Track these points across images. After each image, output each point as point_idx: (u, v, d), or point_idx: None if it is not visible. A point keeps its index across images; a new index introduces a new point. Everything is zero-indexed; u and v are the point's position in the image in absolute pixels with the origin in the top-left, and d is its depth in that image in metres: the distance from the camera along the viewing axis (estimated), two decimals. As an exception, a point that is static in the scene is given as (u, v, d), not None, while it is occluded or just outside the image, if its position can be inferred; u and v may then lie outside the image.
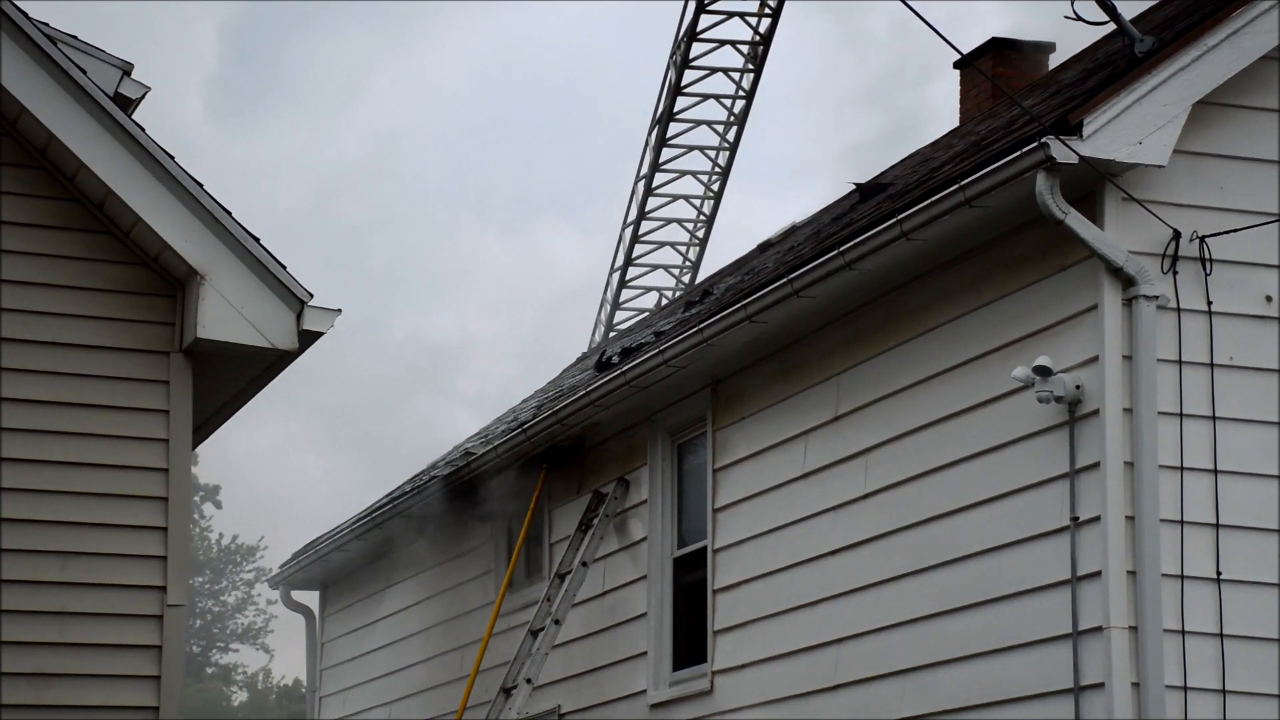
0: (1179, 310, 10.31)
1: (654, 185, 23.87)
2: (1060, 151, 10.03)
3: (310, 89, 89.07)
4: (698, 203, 24.04)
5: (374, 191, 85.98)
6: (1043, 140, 10.07)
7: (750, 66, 22.97)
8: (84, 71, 10.19)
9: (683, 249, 24.39)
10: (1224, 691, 10.07)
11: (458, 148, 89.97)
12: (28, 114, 10.01)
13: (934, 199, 10.90)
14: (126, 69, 11.80)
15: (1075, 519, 10.30)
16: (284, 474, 73.66)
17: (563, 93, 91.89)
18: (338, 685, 20.50)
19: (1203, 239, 10.40)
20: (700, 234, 24.29)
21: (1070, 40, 16.80)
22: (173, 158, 10.22)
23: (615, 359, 15.47)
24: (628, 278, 24.54)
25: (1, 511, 9.90)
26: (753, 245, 18.30)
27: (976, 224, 10.91)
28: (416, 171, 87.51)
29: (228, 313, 10.20)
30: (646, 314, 23.82)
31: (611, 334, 23.91)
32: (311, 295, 10.36)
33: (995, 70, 16.32)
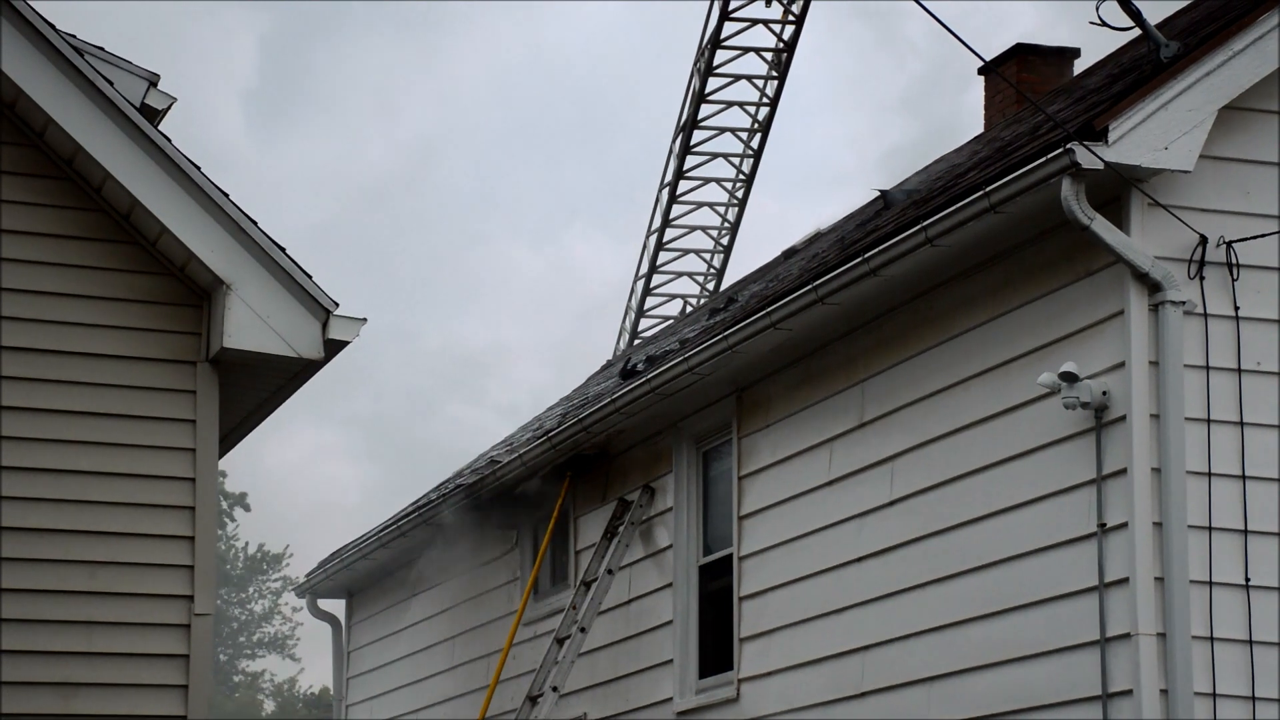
0: (1206, 316, 10.28)
1: (678, 192, 23.86)
2: (1085, 157, 10.01)
3: (342, 98, 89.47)
4: (722, 210, 24.04)
5: (405, 200, 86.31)
6: (1068, 146, 10.05)
7: (774, 74, 22.94)
8: (110, 83, 10.21)
9: (707, 256, 24.38)
10: (1254, 698, 10.05)
11: (488, 155, 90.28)
12: (55, 125, 10.04)
13: (959, 205, 10.89)
14: (153, 80, 11.82)
15: (1102, 525, 10.28)
16: (312, 483, 73.88)
17: (589, 100, 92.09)
18: (364, 693, 20.54)
19: (1229, 244, 10.37)
20: (725, 241, 24.28)
21: (1095, 45, 16.81)
22: (199, 168, 10.24)
23: (640, 366, 15.47)
24: (652, 285, 24.54)
25: (30, 521, 9.93)
26: (778, 252, 18.30)
27: (1001, 230, 10.89)
28: (446, 179, 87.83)
29: (253, 322, 10.21)
30: (671, 321, 23.82)
31: (636, 341, 23.92)
32: (337, 304, 10.37)
33: (1020, 76, 16.30)
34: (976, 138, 16.66)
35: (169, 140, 10.23)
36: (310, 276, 10.34)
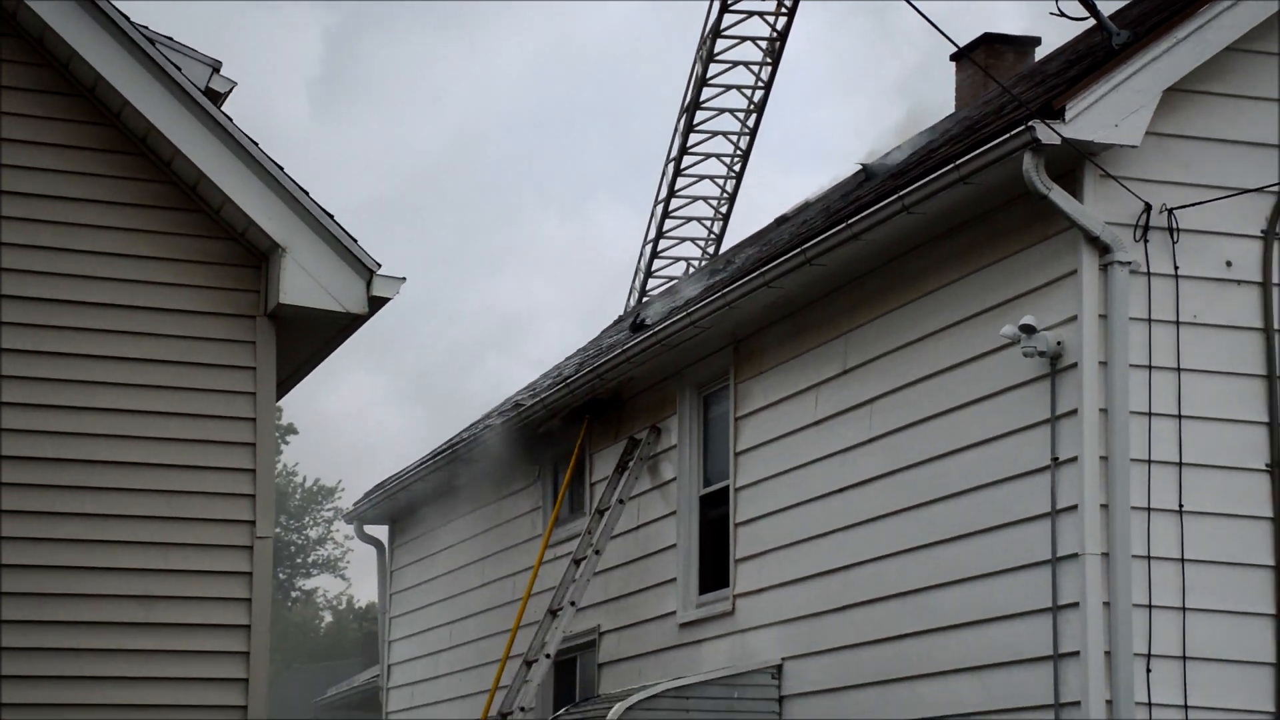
0: (1149, 275, 10.31)
1: (683, 167, 23.80)
2: (1045, 134, 10.03)
3: (394, 87, 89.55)
4: (721, 182, 23.99)
5: (449, 177, 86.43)
6: (1029, 124, 10.07)
7: (769, 60, 22.89)
8: (179, 68, 10.22)
9: (708, 223, 24.35)
10: (1184, 609, 10.11)
11: (521, 137, 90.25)
12: (130, 106, 10.07)
13: (932, 176, 10.91)
14: (216, 66, 11.82)
15: (1055, 459, 10.33)
16: (364, 426, 74.15)
17: (609, 84, 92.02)
18: (405, 607, 20.63)
19: (1171, 211, 10.39)
20: (724, 210, 24.23)
21: (1055, 35, 16.76)
22: (257, 144, 10.26)
23: (648, 321, 15.51)
24: (659, 249, 24.51)
25: (115, 455, 10.01)
26: (771, 220, 18.31)
27: (970, 199, 10.91)
28: (484, 159, 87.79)
29: (306, 281, 10.23)
30: (675, 281, 23.80)
31: (644, 299, 23.92)
32: (380, 265, 10.40)
33: (987, 62, 16.28)
34: (948, 117, 16.64)
35: (230, 119, 10.24)
36: (356, 240, 10.36)
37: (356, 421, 74.32)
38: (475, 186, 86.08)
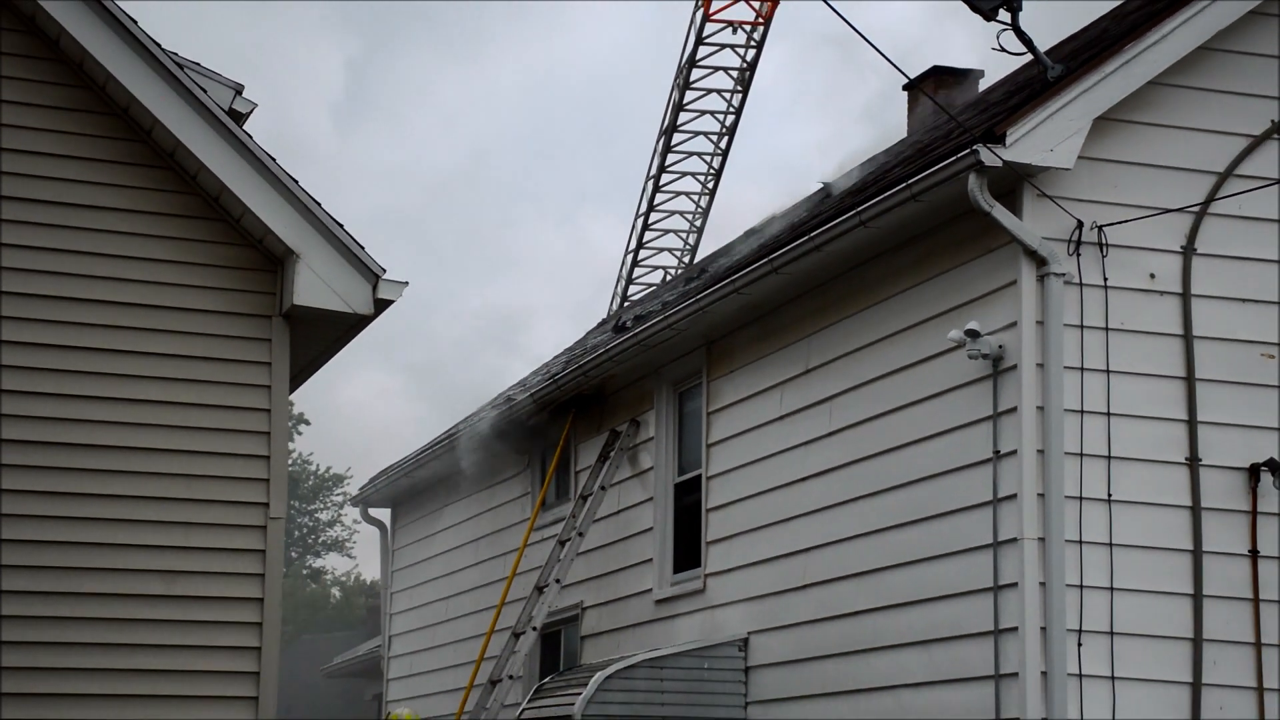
0: (1081, 285, 10.35)
1: (661, 184, 23.84)
2: (988, 157, 10.06)
3: (407, 107, 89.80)
4: (696, 197, 24.02)
5: (455, 189, 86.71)
6: (974, 148, 10.09)
7: (739, 88, 22.92)
8: (205, 90, 10.22)
9: (684, 235, 24.38)
10: (1112, 589, 10.14)
11: (520, 152, 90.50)
12: (160, 125, 10.05)
13: (886, 194, 10.93)
14: (238, 89, 11.79)
15: (997, 452, 10.36)
16: (374, 417, 74.15)
17: (599, 104, 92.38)
18: (406, 583, 20.60)
19: (1101, 228, 10.42)
20: (699, 223, 24.27)
21: (997, 68, 16.77)
22: (274, 159, 10.24)
23: (629, 324, 15.51)
24: (639, 259, 24.53)
25: (139, 442, 9.99)
26: (741, 232, 18.31)
27: (920, 215, 10.93)
28: (487, 172, 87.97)
29: (317, 284, 10.21)
30: (654, 288, 23.82)
31: (625, 303, 23.93)
32: (385, 270, 10.38)
33: (935, 91, 16.30)
34: (900, 141, 16.66)
35: (250, 137, 10.22)
36: (363, 247, 10.34)
37: (366, 414, 74.36)
38: (478, 197, 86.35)
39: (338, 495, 61.38)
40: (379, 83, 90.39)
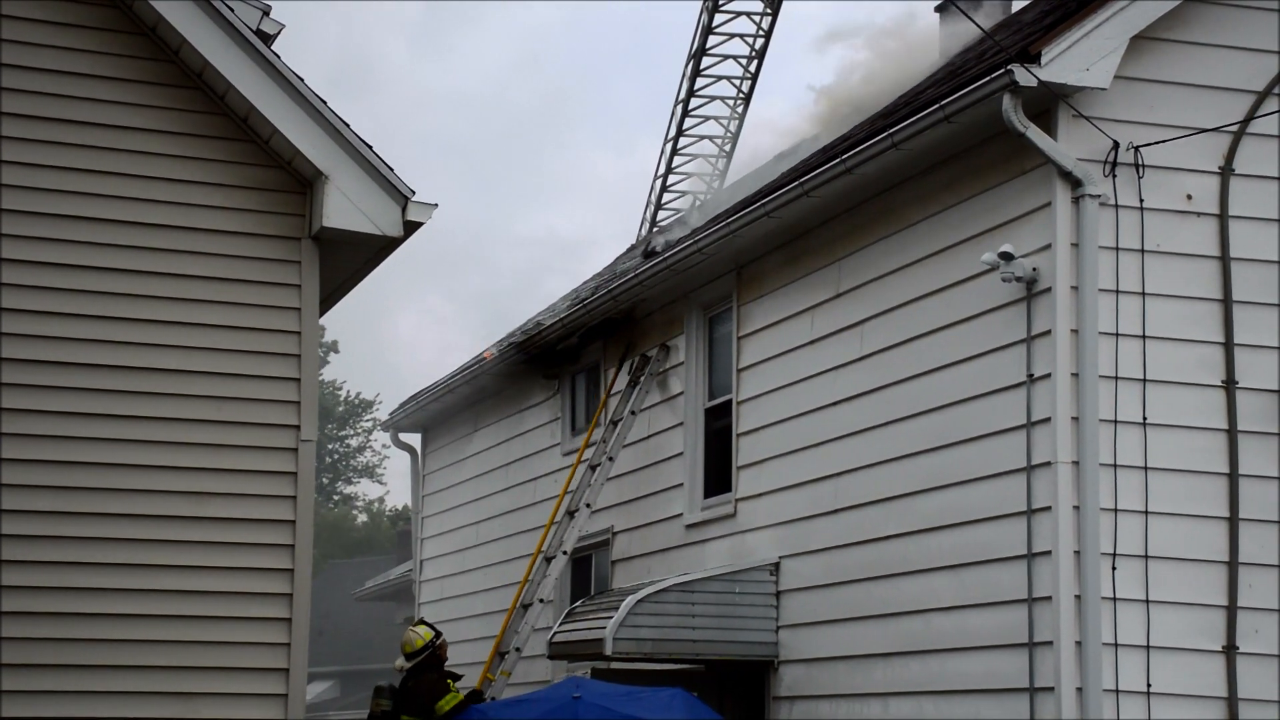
0: (1117, 207, 10.25)
1: (690, 108, 23.66)
2: (1023, 77, 9.94)
3: (486, 33, 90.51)
4: (725, 122, 23.84)
5: (523, 118, 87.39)
6: (1008, 68, 9.98)
7: (769, 10, 22.70)
8: (232, 9, 10.15)
9: (713, 160, 24.23)
10: (1146, 513, 10.11)
11: (575, 83, 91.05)
12: (188, 45, 9.99)
13: (919, 116, 10.82)
14: (266, 9, 11.69)
15: (1030, 376, 10.30)
16: (403, 341, 74.51)
17: (639, 32, 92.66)
18: (436, 508, 20.71)
19: (1137, 149, 10.31)
20: (727, 148, 24.10)
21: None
22: (303, 80, 10.18)
23: (659, 248, 15.44)
24: (669, 184, 24.40)
25: (169, 364, 9.99)
26: (771, 156, 18.18)
27: (953, 136, 10.83)
28: (549, 105, 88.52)
29: (346, 206, 10.18)
30: (683, 213, 23.70)
31: (655, 229, 23.84)
32: (414, 192, 10.34)
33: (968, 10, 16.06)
34: (933, 64, 16.46)
35: (279, 57, 10.16)
36: (392, 169, 10.30)
37: (404, 341, 74.72)
38: (541, 128, 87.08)
39: (367, 421, 61.65)
40: (450, 9, 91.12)
